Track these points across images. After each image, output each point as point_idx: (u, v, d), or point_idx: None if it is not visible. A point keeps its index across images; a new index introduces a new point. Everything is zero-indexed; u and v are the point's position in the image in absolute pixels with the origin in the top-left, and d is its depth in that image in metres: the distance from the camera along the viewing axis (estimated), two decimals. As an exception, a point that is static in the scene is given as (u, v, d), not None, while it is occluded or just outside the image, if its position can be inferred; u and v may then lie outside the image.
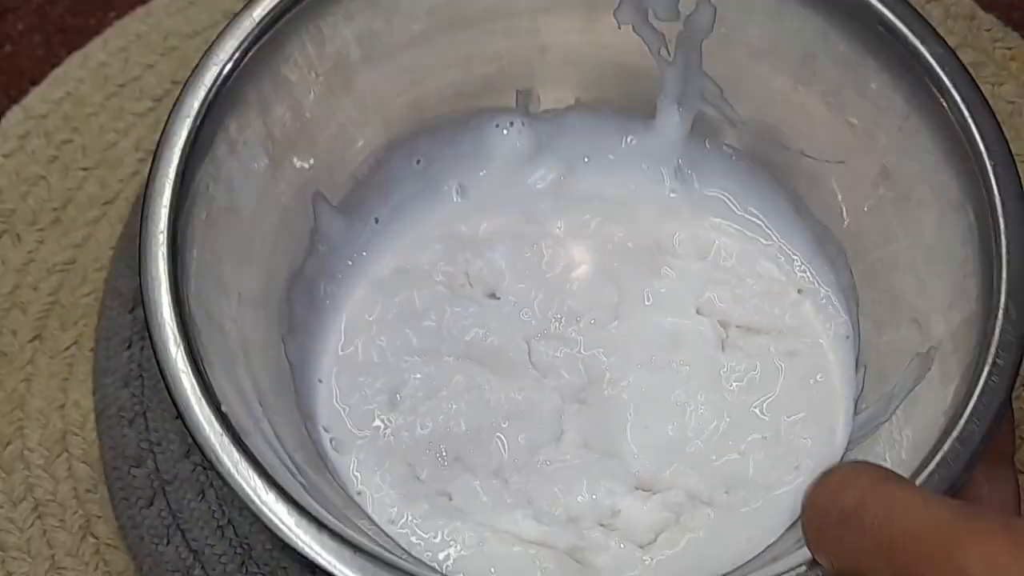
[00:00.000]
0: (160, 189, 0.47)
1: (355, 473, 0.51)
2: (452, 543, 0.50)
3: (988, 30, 0.65)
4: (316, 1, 0.51)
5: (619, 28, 0.55)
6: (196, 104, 0.48)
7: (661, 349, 0.54)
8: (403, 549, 0.49)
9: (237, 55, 0.49)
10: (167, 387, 0.44)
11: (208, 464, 0.43)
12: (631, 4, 0.54)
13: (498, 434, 0.52)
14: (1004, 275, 0.45)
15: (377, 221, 0.56)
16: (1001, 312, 0.45)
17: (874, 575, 0.37)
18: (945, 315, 0.48)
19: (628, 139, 0.58)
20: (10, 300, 0.59)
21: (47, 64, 0.65)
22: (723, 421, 0.52)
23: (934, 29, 0.49)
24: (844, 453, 0.51)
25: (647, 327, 0.54)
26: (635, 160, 0.58)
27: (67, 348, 0.58)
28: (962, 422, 0.43)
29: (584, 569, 0.49)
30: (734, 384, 0.53)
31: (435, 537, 0.50)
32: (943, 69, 0.48)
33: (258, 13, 0.49)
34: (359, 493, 0.51)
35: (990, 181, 0.46)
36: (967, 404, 0.43)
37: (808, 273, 0.55)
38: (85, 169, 0.62)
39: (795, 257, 0.56)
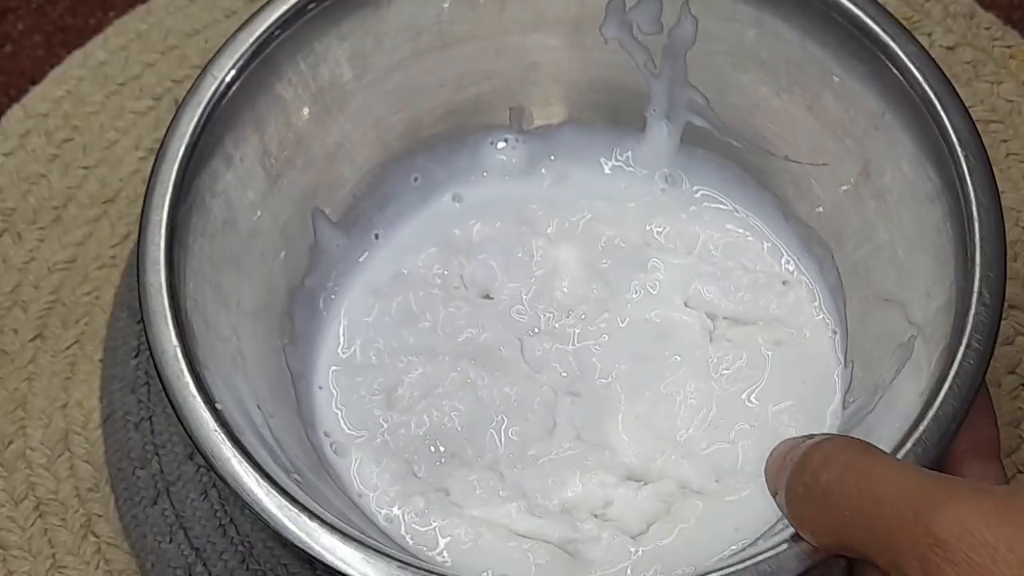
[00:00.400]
0: (158, 202, 0.48)
1: (355, 474, 0.52)
2: (449, 538, 0.51)
3: (987, 28, 0.66)
4: (309, 22, 0.52)
5: (606, 43, 0.57)
6: (193, 120, 0.50)
7: (650, 341, 0.55)
8: (400, 546, 0.50)
9: (233, 73, 0.51)
10: (164, 386, 0.45)
11: (205, 461, 0.44)
12: (616, 19, 0.56)
13: (492, 429, 0.53)
14: (978, 261, 0.46)
15: (377, 237, 0.58)
16: (975, 297, 0.46)
17: (856, 546, 0.38)
18: (924, 303, 0.49)
19: (619, 152, 0.59)
20: (11, 299, 0.60)
21: (47, 63, 0.66)
22: (712, 411, 0.53)
23: (905, 27, 0.50)
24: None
25: (636, 320, 0.56)
26: (626, 169, 0.59)
27: (68, 347, 0.59)
28: (938, 402, 0.44)
29: (576, 562, 0.50)
30: (722, 374, 0.54)
31: (432, 533, 0.51)
32: (915, 65, 0.49)
33: (253, 32, 0.51)
34: (359, 495, 0.52)
35: (963, 171, 0.48)
36: (942, 385, 0.44)
37: (793, 264, 0.57)
38: (85, 168, 0.63)
39: (780, 249, 0.57)
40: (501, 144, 0.60)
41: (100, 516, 0.56)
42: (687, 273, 0.57)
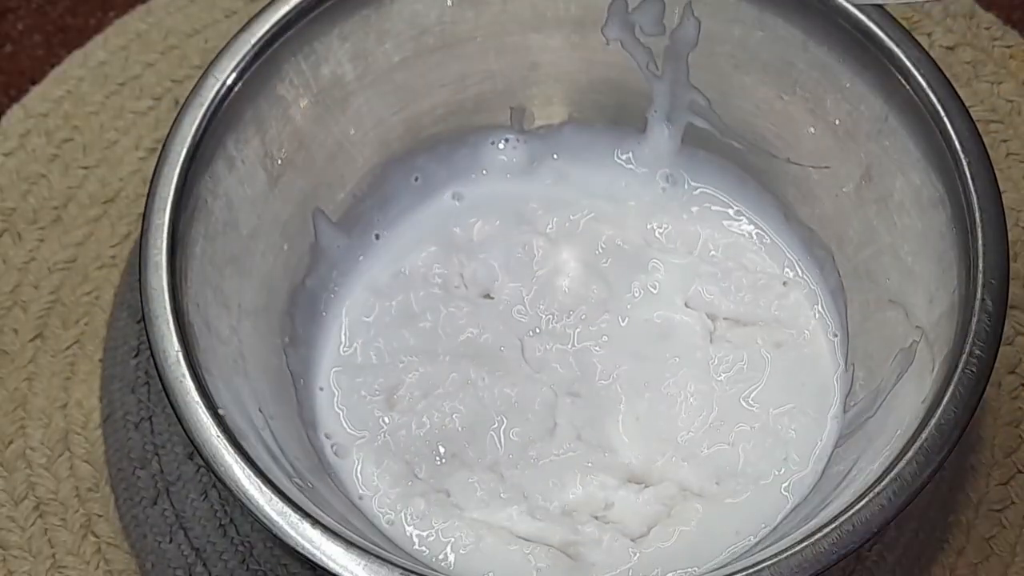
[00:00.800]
0: (160, 204, 0.48)
1: (356, 476, 0.53)
2: (450, 542, 0.51)
3: (987, 28, 0.66)
4: (311, 22, 0.52)
5: (607, 44, 0.57)
6: (195, 122, 0.50)
7: (651, 342, 0.55)
8: (402, 549, 0.50)
9: (234, 74, 0.51)
10: (166, 390, 0.45)
11: (207, 467, 0.44)
12: (618, 20, 0.56)
13: (493, 429, 0.53)
14: (981, 267, 0.46)
15: (377, 238, 0.58)
16: (978, 304, 0.46)
17: None
18: (926, 309, 0.49)
19: (620, 152, 0.59)
20: (11, 299, 0.60)
21: (47, 63, 0.66)
22: (712, 412, 0.54)
23: (909, 32, 0.50)
24: (833, 449, 0.52)
25: (637, 321, 0.56)
26: (626, 168, 0.59)
27: (68, 347, 0.59)
28: (940, 410, 0.44)
29: (577, 565, 0.50)
30: (723, 375, 0.54)
31: (433, 536, 0.51)
32: (919, 70, 0.50)
33: (254, 34, 0.51)
34: (360, 498, 0.52)
35: (966, 177, 0.48)
36: (945, 392, 0.44)
37: (794, 266, 0.57)
38: (86, 168, 0.63)
39: (781, 250, 0.57)
40: (502, 144, 0.59)
41: (100, 516, 0.55)
42: (688, 273, 0.57)
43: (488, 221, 0.58)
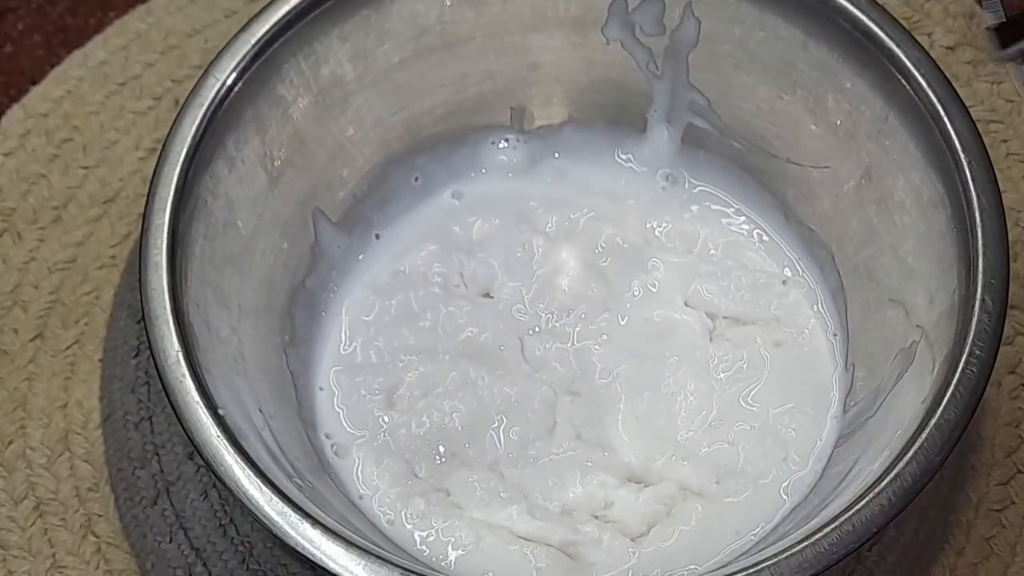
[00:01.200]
0: (160, 204, 0.48)
1: (356, 476, 0.53)
2: (450, 542, 0.51)
3: (988, 28, 0.66)
4: (311, 22, 0.52)
5: (607, 44, 0.57)
6: (195, 122, 0.50)
7: (650, 341, 0.55)
8: (402, 549, 0.50)
9: (234, 75, 0.51)
10: (166, 390, 0.45)
11: (208, 467, 0.44)
12: (618, 20, 0.56)
13: (493, 429, 0.53)
14: (981, 267, 0.46)
15: (377, 237, 0.58)
16: (978, 304, 0.46)
17: None
18: (927, 309, 0.49)
19: (620, 152, 0.59)
20: (11, 299, 0.60)
21: (47, 63, 0.66)
22: (712, 411, 0.54)
23: (909, 32, 0.50)
24: (833, 449, 0.52)
25: (636, 319, 0.56)
26: (626, 167, 0.59)
27: (68, 347, 0.59)
28: (940, 410, 0.44)
29: (577, 564, 0.50)
30: (722, 374, 0.54)
31: (433, 536, 0.51)
32: (919, 71, 0.49)
33: (254, 34, 0.51)
34: (361, 498, 0.52)
35: (966, 176, 0.48)
36: (945, 393, 0.44)
37: (793, 265, 0.57)
38: (86, 168, 0.63)
39: (781, 250, 0.57)
40: (502, 144, 0.59)
41: (100, 516, 0.55)
42: (687, 272, 0.57)
43: (488, 220, 0.58)
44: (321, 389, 0.55)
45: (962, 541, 0.54)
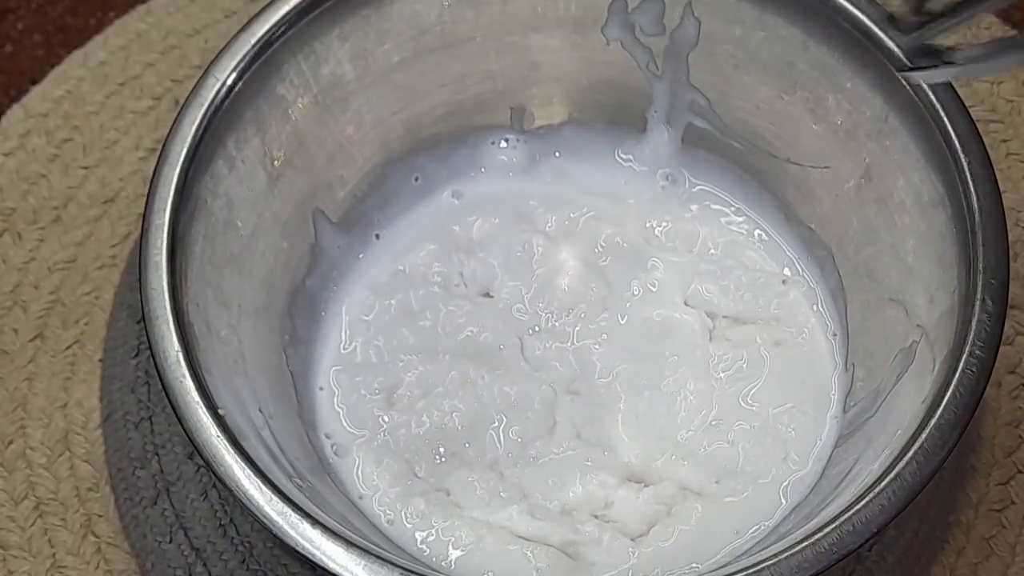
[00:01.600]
0: (160, 204, 0.48)
1: (356, 475, 0.53)
2: (450, 541, 0.51)
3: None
4: (311, 22, 0.52)
5: (607, 44, 0.57)
6: (195, 122, 0.50)
7: (650, 340, 0.55)
8: (402, 549, 0.50)
9: (235, 74, 0.51)
10: (166, 390, 0.45)
11: (208, 467, 0.44)
12: (618, 20, 0.56)
13: (492, 428, 0.53)
14: (981, 268, 0.46)
15: (377, 237, 0.58)
16: (978, 303, 0.46)
17: None
18: (927, 309, 0.49)
19: (621, 152, 0.59)
20: (11, 299, 0.60)
21: (47, 63, 0.66)
22: (712, 411, 0.54)
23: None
24: (833, 449, 0.52)
25: (636, 319, 0.56)
26: (626, 166, 0.60)
27: (68, 347, 0.59)
28: (940, 410, 0.44)
29: (577, 564, 0.50)
30: (722, 374, 0.54)
31: (433, 535, 0.51)
32: (919, 70, 0.49)
33: (254, 34, 0.51)
34: (360, 497, 0.52)
35: (966, 176, 0.48)
36: (945, 393, 0.44)
37: (793, 265, 0.57)
38: (86, 168, 0.63)
39: (781, 249, 0.57)
40: (502, 144, 0.60)
41: (100, 516, 0.55)
42: (687, 272, 0.57)
43: (487, 220, 0.58)
44: (321, 389, 0.55)
45: (962, 541, 0.54)
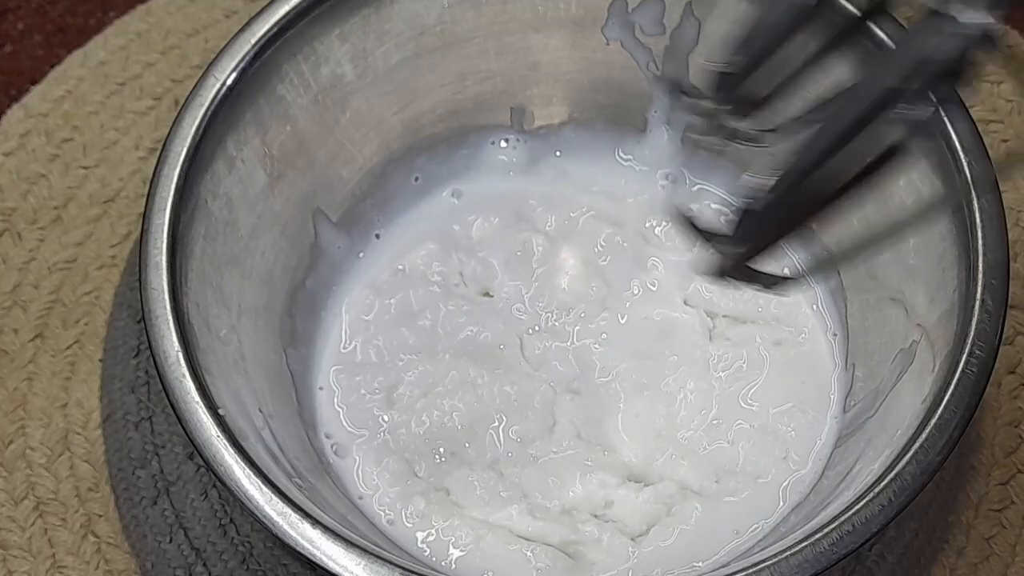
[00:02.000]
0: (160, 204, 0.48)
1: (356, 475, 0.53)
2: (450, 541, 0.51)
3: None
4: (311, 22, 0.52)
5: (608, 44, 0.57)
6: (195, 122, 0.50)
7: (650, 339, 0.55)
8: (402, 549, 0.50)
9: (235, 74, 0.51)
10: (166, 391, 0.45)
11: (208, 467, 0.45)
12: (618, 20, 0.56)
13: (492, 428, 0.53)
14: (981, 268, 0.46)
15: (377, 237, 0.58)
16: (978, 304, 0.46)
17: None
18: (927, 309, 0.49)
19: (621, 152, 0.59)
20: (11, 299, 0.60)
21: (47, 63, 0.66)
22: (712, 410, 0.54)
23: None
24: (833, 448, 0.52)
25: (636, 318, 0.56)
26: (625, 165, 0.59)
27: (68, 347, 0.59)
28: (940, 410, 0.44)
29: (577, 564, 0.50)
30: (722, 373, 0.54)
31: (433, 535, 0.51)
32: (919, 70, 0.49)
33: (254, 34, 0.51)
34: (360, 497, 0.52)
35: (966, 177, 0.48)
36: (945, 392, 0.44)
37: (793, 262, 0.57)
38: (86, 167, 0.63)
39: (781, 248, 0.57)
40: (502, 144, 0.60)
41: (100, 516, 0.55)
42: (687, 271, 0.57)
43: (487, 219, 0.59)
44: (321, 388, 0.55)
45: (962, 541, 0.54)
